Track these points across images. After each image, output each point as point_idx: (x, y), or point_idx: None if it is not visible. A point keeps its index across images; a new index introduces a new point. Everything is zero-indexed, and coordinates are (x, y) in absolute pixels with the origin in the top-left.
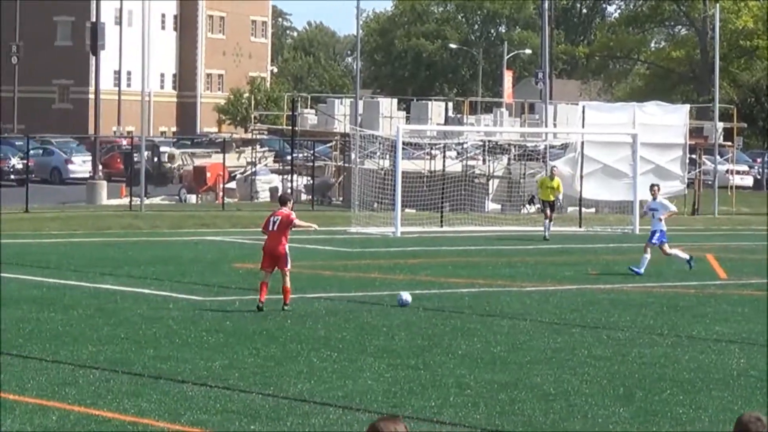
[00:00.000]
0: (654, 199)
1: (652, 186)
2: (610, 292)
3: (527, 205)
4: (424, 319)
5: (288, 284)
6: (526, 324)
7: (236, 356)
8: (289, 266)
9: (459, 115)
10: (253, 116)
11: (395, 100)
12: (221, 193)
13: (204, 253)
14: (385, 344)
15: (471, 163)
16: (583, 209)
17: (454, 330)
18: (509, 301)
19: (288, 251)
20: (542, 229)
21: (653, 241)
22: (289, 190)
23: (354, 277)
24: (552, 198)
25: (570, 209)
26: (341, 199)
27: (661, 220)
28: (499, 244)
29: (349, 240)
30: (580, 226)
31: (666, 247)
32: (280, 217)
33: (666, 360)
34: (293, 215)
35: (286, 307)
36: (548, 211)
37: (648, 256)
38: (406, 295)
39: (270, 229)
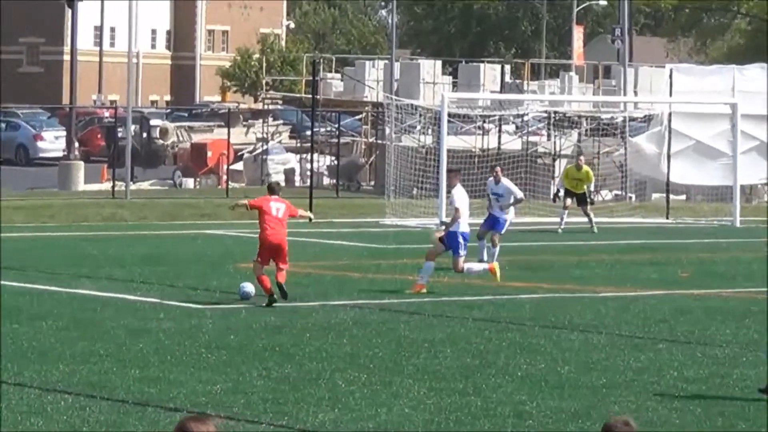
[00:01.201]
0: (497, 182)
1: (494, 168)
2: (706, 298)
3: (556, 201)
4: (475, 333)
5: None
6: (601, 338)
7: (242, 378)
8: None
9: (518, 81)
10: (264, 82)
11: (439, 63)
12: (225, 177)
13: (203, 250)
14: (426, 363)
15: (533, 139)
16: (671, 196)
17: (512, 346)
18: (580, 310)
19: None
20: (580, 221)
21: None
22: (308, 172)
23: (388, 280)
24: (580, 191)
25: (655, 196)
26: (372, 183)
27: (502, 208)
28: (568, 238)
29: (382, 234)
30: (667, 217)
31: (497, 238)
32: (284, 205)
33: None
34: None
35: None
36: (569, 201)
37: (485, 243)
38: (249, 287)
39: (275, 215)
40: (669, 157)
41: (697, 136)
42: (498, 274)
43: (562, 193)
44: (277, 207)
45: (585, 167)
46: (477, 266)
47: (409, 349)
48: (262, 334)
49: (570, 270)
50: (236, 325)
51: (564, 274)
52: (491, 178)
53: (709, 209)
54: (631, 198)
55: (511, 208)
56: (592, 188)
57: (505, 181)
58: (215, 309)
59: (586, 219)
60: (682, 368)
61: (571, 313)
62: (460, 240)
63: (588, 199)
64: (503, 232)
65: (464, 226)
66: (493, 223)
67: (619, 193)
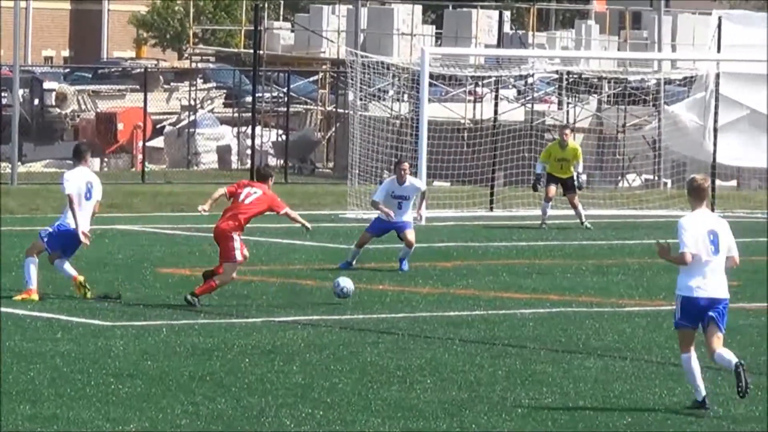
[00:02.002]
0: (401, 183)
1: (398, 163)
2: (762, 314)
3: (537, 190)
4: (463, 358)
5: (217, 282)
6: (625, 365)
7: (163, 416)
8: (238, 258)
9: (521, 32)
10: (191, 33)
11: (419, 8)
12: (140, 156)
13: (113, 251)
14: (399, 397)
15: (540, 107)
16: (718, 182)
17: (511, 375)
18: (599, 329)
19: (238, 242)
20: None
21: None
22: (248, 151)
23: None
24: (566, 175)
25: None
26: (331, 165)
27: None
28: (584, 236)
29: (343, 231)
30: (712, 209)
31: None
32: (260, 192)
33: None
34: (283, 205)
35: (192, 299)
36: (553, 189)
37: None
38: (346, 282)
39: (240, 200)
40: (716, 131)
41: (752, 103)
42: None
43: (544, 179)
44: (250, 191)
45: (572, 143)
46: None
47: (377, 378)
48: (189, 360)
49: (585, 277)
50: (155, 347)
51: (577, 282)
52: (392, 178)
53: (765, 199)
54: (666, 184)
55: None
56: (580, 169)
57: (410, 179)
58: (128, 327)
59: (628, 212)
60: (729, 404)
61: (587, 333)
62: None
63: (576, 185)
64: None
65: None
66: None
67: (650, 177)
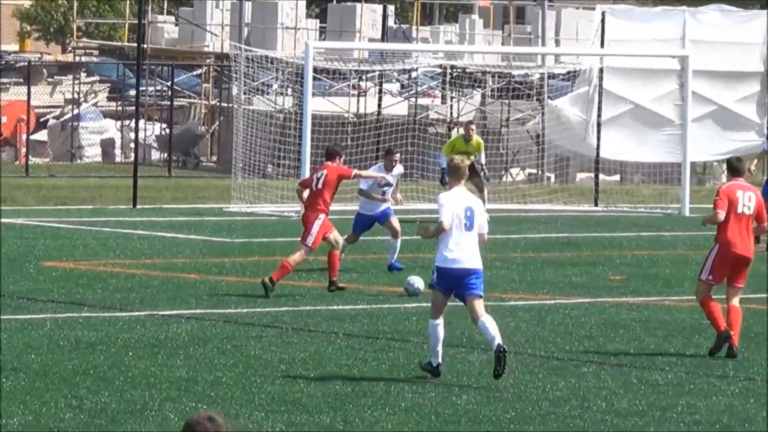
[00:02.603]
0: (389, 171)
1: (389, 153)
2: (644, 308)
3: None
4: (347, 352)
5: (292, 262)
6: (508, 358)
7: (46, 409)
8: (310, 242)
9: (405, 26)
10: (75, 26)
11: (302, 2)
12: (24, 150)
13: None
14: (283, 391)
15: (423, 101)
16: (602, 176)
17: (395, 369)
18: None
19: (316, 228)
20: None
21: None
22: (131, 144)
23: (235, 284)
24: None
25: (580, 177)
26: (215, 159)
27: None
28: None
29: (227, 225)
30: (595, 204)
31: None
32: (325, 171)
33: (730, 417)
34: (350, 170)
35: (269, 287)
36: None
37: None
38: (417, 282)
39: (314, 187)
40: (599, 125)
41: (635, 98)
42: None
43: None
44: (317, 176)
45: (476, 138)
46: None
47: (261, 372)
48: (72, 353)
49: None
50: (38, 341)
51: None
52: (379, 165)
53: (650, 193)
54: (549, 179)
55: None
56: (483, 160)
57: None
58: (11, 320)
59: (515, 206)
60: (612, 398)
61: (470, 327)
62: None
63: (482, 174)
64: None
65: None
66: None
67: (533, 172)
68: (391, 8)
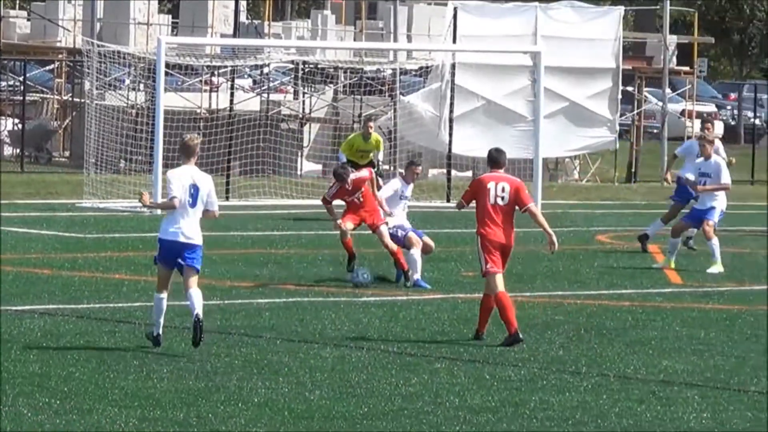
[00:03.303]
0: (408, 183)
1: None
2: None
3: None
4: (199, 347)
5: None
6: (361, 355)
7: None
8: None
9: (257, 22)
10: None
11: None
12: None
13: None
14: (136, 387)
15: (275, 97)
16: (454, 173)
17: (247, 365)
18: (335, 319)
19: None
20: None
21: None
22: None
23: (87, 280)
24: (367, 159)
25: (433, 173)
26: (67, 154)
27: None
28: (322, 226)
29: (80, 220)
30: (447, 200)
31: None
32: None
33: (583, 413)
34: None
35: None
36: None
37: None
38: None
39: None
40: (452, 121)
41: (487, 94)
42: None
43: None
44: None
45: (375, 135)
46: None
47: (114, 367)
48: None
49: (320, 267)
50: None
51: (314, 271)
52: (398, 178)
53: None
54: (401, 174)
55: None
56: (380, 157)
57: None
58: None
59: None
60: (465, 394)
61: (323, 323)
62: None
63: (378, 172)
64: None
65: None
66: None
67: (385, 168)
68: (243, 4)
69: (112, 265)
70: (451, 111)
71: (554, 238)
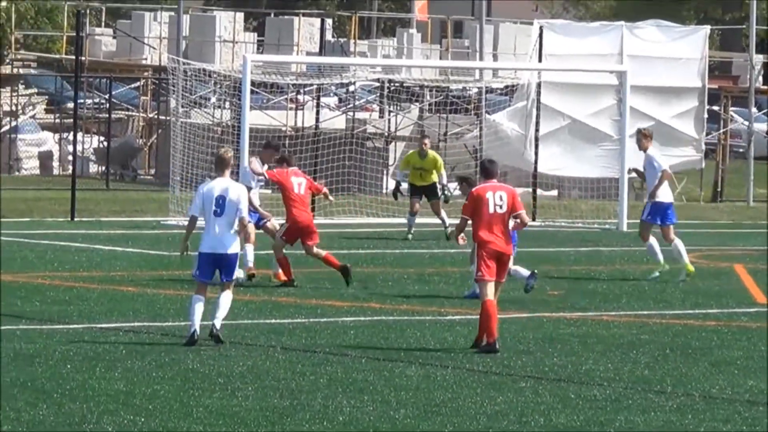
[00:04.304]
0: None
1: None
2: (581, 323)
3: (398, 198)
4: (284, 366)
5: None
6: (446, 374)
7: None
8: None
9: (342, 40)
10: (13, 38)
11: (240, 15)
12: None
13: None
14: (221, 405)
15: (361, 115)
16: (540, 191)
17: (332, 383)
18: (420, 338)
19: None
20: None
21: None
22: (70, 157)
23: (172, 298)
24: (426, 182)
25: (518, 191)
26: (153, 172)
27: None
28: (408, 245)
29: (165, 238)
30: (533, 219)
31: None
32: (305, 180)
33: None
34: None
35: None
36: (416, 204)
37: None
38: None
39: (297, 192)
40: (537, 140)
41: (573, 113)
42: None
43: (405, 186)
44: (298, 182)
45: (431, 153)
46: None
47: (199, 386)
48: (10, 366)
49: (407, 285)
50: None
51: (399, 290)
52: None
53: (587, 208)
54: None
55: None
56: (444, 180)
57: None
58: None
59: (438, 220)
60: (550, 413)
61: (408, 341)
62: None
63: (441, 194)
64: None
65: None
66: None
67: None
68: (328, 22)
69: (195, 283)
70: (536, 130)
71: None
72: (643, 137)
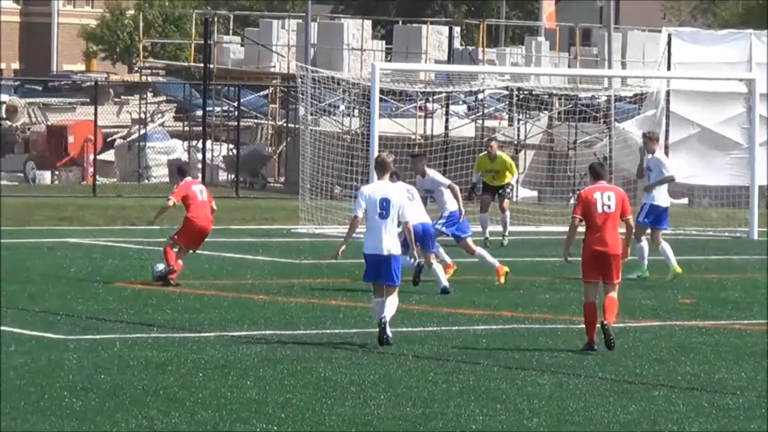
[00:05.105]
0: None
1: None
2: (714, 332)
3: (473, 197)
4: (417, 374)
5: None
6: (579, 382)
7: (116, 429)
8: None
9: (471, 48)
10: (141, 46)
11: (369, 23)
12: (91, 170)
13: (65, 264)
14: (353, 413)
15: (490, 123)
16: (670, 200)
17: (464, 391)
18: (552, 346)
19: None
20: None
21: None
22: (199, 165)
23: (304, 306)
24: (498, 183)
25: None
26: (282, 180)
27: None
28: (537, 253)
29: (295, 246)
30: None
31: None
32: (204, 188)
33: None
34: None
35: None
36: (486, 199)
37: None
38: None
39: (201, 198)
40: (666, 148)
41: (702, 121)
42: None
43: (479, 186)
44: (200, 189)
45: (500, 154)
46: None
47: (331, 394)
48: (143, 374)
49: (538, 293)
50: (108, 361)
51: (531, 298)
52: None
53: (718, 217)
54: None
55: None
56: (513, 181)
57: (431, 173)
58: (81, 340)
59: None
60: (683, 421)
61: (541, 350)
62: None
63: (505, 195)
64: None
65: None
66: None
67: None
68: (457, 30)
69: (328, 291)
70: (666, 138)
71: (627, 252)
72: (649, 140)
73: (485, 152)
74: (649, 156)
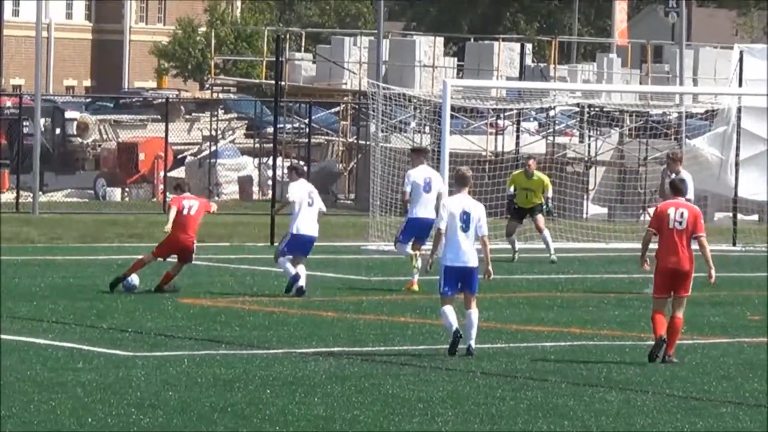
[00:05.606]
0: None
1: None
2: None
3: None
4: (484, 391)
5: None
6: (647, 399)
7: None
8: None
9: (542, 65)
10: (213, 64)
11: (440, 40)
12: (161, 187)
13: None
14: (421, 429)
15: (561, 140)
16: (740, 216)
17: (532, 408)
18: (620, 363)
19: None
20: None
21: None
22: (269, 182)
23: (372, 323)
24: (530, 205)
25: (718, 216)
26: (353, 197)
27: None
28: (608, 269)
29: (365, 263)
30: (733, 244)
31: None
32: (198, 202)
33: None
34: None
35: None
36: (515, 223)
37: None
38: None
39: (185, 213)
40: (737, 165)
41: None
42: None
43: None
44: (189, 204)
45: (537, 173)
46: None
47: (398, 411)
48: (210, 390)
49: (607, 310)
50: (176, 377)
51: (599, 315)
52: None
53: None
54: None
55: None
56: (549, 194)
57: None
58: (149, 357)
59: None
60: None
61: (609, 366)
62: None
63: (544, 208)
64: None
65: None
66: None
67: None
68: (528, 47)
69: (396, 308)
70: (737, 155)
71: (713, 272)
72: (672, 161)
73: (522, 170)
74: (673, 176)
